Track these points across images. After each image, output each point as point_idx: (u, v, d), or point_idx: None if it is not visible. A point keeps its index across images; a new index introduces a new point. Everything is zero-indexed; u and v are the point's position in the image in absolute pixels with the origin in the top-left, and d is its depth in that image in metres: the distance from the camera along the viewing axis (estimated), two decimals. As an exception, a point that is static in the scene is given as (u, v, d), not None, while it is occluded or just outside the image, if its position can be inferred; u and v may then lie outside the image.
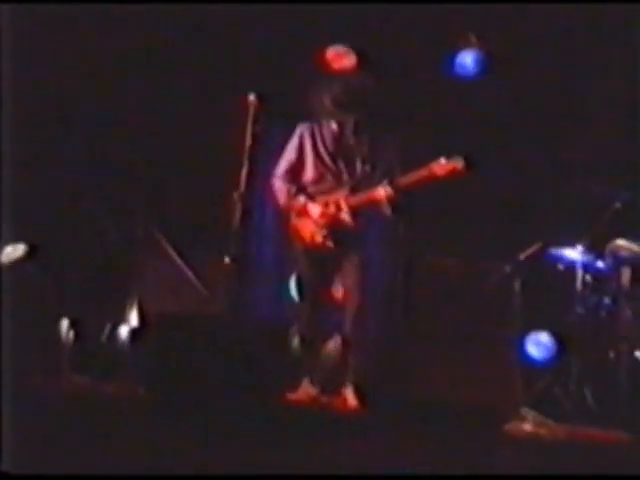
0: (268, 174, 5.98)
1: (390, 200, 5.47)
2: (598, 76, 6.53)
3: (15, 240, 5.21)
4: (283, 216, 5.84)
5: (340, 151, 5.69)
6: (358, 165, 5.63)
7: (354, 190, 5.60)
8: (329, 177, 5.70)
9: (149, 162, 6.51)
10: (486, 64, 6.10)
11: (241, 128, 5.72)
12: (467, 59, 6.08)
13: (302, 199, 5.67)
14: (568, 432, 5.21)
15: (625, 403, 5.32)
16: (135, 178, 6.38)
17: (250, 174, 5.79)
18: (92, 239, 6.22)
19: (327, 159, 5.71)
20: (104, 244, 6.13)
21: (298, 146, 5.76)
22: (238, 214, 5.71)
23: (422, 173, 5.41)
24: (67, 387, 5.48)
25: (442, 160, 5.34)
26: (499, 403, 5.48)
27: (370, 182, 5.56)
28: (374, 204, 5.53)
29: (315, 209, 5.60)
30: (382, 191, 5.48)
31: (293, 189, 5.72)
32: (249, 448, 4.30)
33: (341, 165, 5.68)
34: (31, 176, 5.58)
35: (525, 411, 5.39)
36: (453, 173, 5.32)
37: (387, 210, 5.53)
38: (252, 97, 5.65)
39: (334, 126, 5.68)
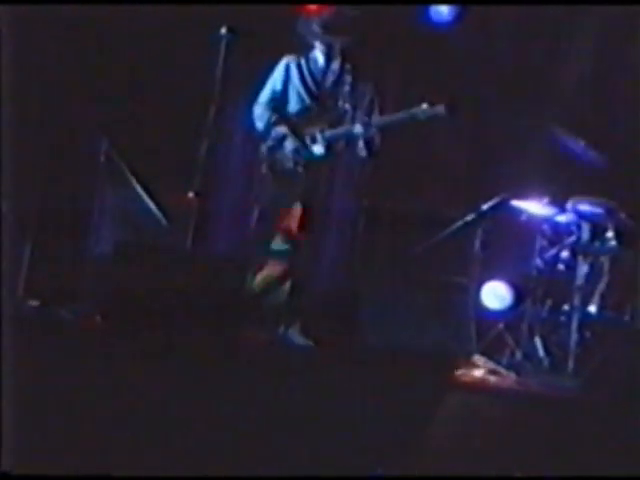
0: (236, 109, 5.95)
1: (366, 139, 5.50)
2: (570, 29, 6.54)
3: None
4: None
5: (325, 86, 5.66)
6: (340, 101, 5.60)
7: (332, 125, 5.59)
8: (313, 110, 5.66)
9: (118, 91, 6.44)
10: (461, 11, 6.09)
11: (212, 62, 5.68)
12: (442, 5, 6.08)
13: (282, 129, 5.66)
14: (517, 381, 5.30)
15: (574, 356, 5.40)
16: (103, 106, 6.31)
17: (218, 108, 5.76)
18: (55, 164, 6.17)
19: (313, 92, 5.67)
20: (66, 169, 6.08)
21: (284, 77, 5.70)
22: (204, 148, 5.69)
23: (402, 115, 5.43)
24: (21, 311, 5.46)
25: (424, 105, 5.35)
26: (451, 350, 5.54)
27: (350, 118, 5.56)
28: (350, 140, 5.54)
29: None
30: (359, 127, 5.49)
31: (274, 117, 5.69)
32: (204, 382, 4.32)
33: (325, 100, 5.66)
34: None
35: (477, 358, 5.46)
36: (432, 119, 5.36)
37: (362, 150, 5.55)
38: (224, 30, 5.61)
39: (321, 59, 5.66)
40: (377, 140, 5.58)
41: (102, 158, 5.67)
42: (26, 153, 5.72)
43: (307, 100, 5.69)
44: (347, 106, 5.60)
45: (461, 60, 6.47)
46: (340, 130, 5.59)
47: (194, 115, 5.93)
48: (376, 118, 5.55)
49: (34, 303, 5.54)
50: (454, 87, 6.41)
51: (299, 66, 5.71)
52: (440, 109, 5.34)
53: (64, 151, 6.25)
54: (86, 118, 6.09)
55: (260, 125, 5.74)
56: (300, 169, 5.60)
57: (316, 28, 5.62)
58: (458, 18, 6.09)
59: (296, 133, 5.59)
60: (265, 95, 5.75)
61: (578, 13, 6.45)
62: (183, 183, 5.89)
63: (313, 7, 5.74)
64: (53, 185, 6.15)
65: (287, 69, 5.71)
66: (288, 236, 5.63)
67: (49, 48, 6.22)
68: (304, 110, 5.68)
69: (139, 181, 5.71)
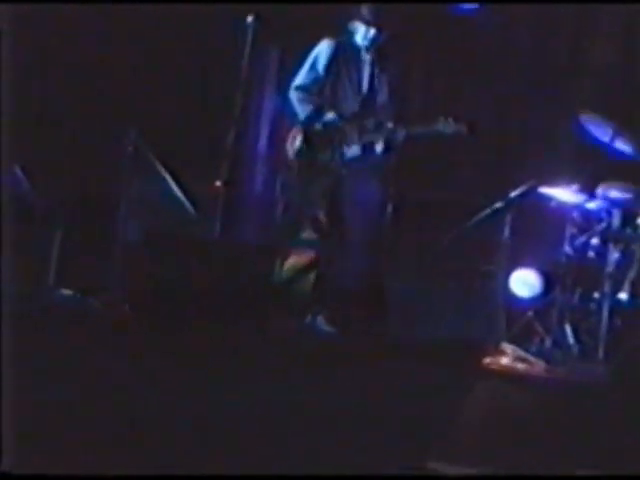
0: (264, 97, 5.94)
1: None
2: (597, 12, 6.48)
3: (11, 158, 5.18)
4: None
5: (363, 75, 5.66)
6: (379, 98, 5.64)
7: (369, 126, 5.62)
8: (355, 102, 5.66)
9: (145, 81, 6.46)
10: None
11: (239, 50, 5.68)
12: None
13: (332, 116, 5.61)
14: (546, 368, 5.27)
15: (604, 343, 5.36)
16: (130, 97, 6.33)
17: (246, 96, 5.76)
18: (84, 156, 6.20)
19: (354, 80, 5.66)
20: (96, 159, 6.11)
21: (327, 60, 5.64)
22: (232, 137, 5.69)
23: (429, 130, 5.55)
24: (52, 300, 5.50)
25: (450, 120, 5.48)
26: (480, 338, 5.53)
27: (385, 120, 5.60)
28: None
29: None
30: (399, 134, 5.57)
31: (318, 102, 5.65)
32: (232, 369, 4.33)
33: (364, 92, 5.66)
34: (27, 93, 5.54)
35: (506, 346, 5.44)
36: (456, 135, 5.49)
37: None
38: (250, 19, 5.60)
39: (361, 47, 5.62)
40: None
41: (130, 148, 5.69)
42: (55, 144, 5.78)
43: (349, 90, 5.67)
44: (383, 105, 5.63)
45: (489, 47, 6.43)
46: (377, 135, 5.60)
47: (221, 103, 5.94)
48: (409, 128, 5.59)
49: (66, 292, 5.59)
50: (482, 74, 6.40)
51: (341, 50, 5.65)
52: (463, 128, 5.49)
53: (93, 141, 6.28)
54: (114, 108, 6.12)
55: (303, 110, 5.67)
56: (334, 165, 5.61)
57: (367, 14, 5.60)
58: (483, 5, 6.05)
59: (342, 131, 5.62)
60: (306, 78, 5.68)
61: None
62: (211, 172, 5.91)
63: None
64: (83, 175, 6.19)
65: (330, 52, 5.64)
66: (316, 225, 5.63)
67: (77, 35, 6.24)
68: (349, 101, 5.66)
69: (167, 170, 5.73)
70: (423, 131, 5.59)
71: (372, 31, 5.58)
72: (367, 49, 5.65)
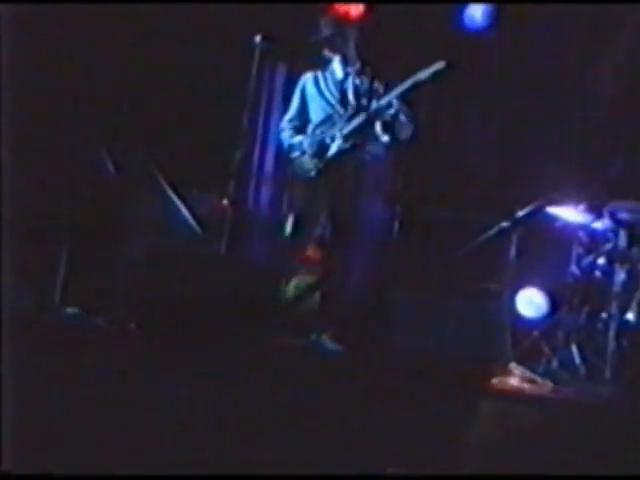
0: (270, 116, 5.95)
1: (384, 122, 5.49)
2: (604, 32, 6.49)
3: (16, 171, 5.20)
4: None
5: (346, 94, 5.66)
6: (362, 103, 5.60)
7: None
8: (334, 117, 5.66)
9: (152, 100, 6.47)
10: (495, 17, 6.07)
11: (246, 69, 5.70)
12: (476, 11, 6.05)
13: (300, 137, 5.64)
14: (553, 389, 5.24)
15: (611, 364, 5.34)
16: (137, 116, 6.35)
17: (253, 117, 5.78)
18: (90, 172, 6.21)
19: (332, 103, 5.67)
20: (102, 178, 6.12)
21: (301, 97, 5.73)
22: (239, 156, 5.71)
23: (406, 84, 5.45)
24: (57, 318, 5.50)
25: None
26: (487, 357, 5.50)
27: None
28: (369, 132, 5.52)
29: None
30: (369, 112, 5.49)
31: (294, 133, 5.69)
32: (236, 388, 4.32)
33: (346, 106, 5.65)
34: (30, 109, 5.57)
35: (512, 366, 5.41)
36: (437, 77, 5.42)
37: (382, 136, 5.51)
38: (258, 39, 5.62)
39: (339, 70, 5.65)
40: (402, 122, 5.53)
41: (137, 166, 5.71)
42: (61, 161, 5.79)
43: (328, 110, 5.69)
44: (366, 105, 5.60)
45: (494, 65, 6.44)
46: (354, 122, 5.57)
47: (229, 123, 5.95)
48: (390, 92, 5.52)
49: (72, 310, 5.59)
50: (487, 92, 6.40)
51: (317, 81, 5.73)
52: (440, 64, 5.41)
53: (100, 159, 6.31)
54: (121, 127, 6.13)
55: (286, 143, 5.78)
56: (320, 172, 5.60)
57: (327, 32, 5.64)
58: (491, 24, 6.07)
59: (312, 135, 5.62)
60: (289, 114, 5.80)
61: (612, 15, 6.41)
62: (218, 190, 5.91)
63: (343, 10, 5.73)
64: (89, 193, 6.20)
65: (303, 89, 5.75)
66: (322, 243, 5.63)
67: (80, 51, 6.24)
68: (326, 119, 5.69)
69: (174, 189, 5.74)
70: (403, 88, 5.47)
71: (342, 53, 5.62)
72: (347, 68, 5.65)
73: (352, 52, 5.59)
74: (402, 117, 5.51)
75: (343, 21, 5.69)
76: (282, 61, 6.59)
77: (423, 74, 5.45)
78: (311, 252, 5.67)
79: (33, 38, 5.62)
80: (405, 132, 5.56)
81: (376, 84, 5.61)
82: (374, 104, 5.52)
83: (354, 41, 5.55)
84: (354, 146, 5.59)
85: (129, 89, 6.36)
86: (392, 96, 5.50)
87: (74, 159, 5.98)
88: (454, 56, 6.06)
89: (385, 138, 5.56)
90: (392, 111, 5.50)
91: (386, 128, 5.53)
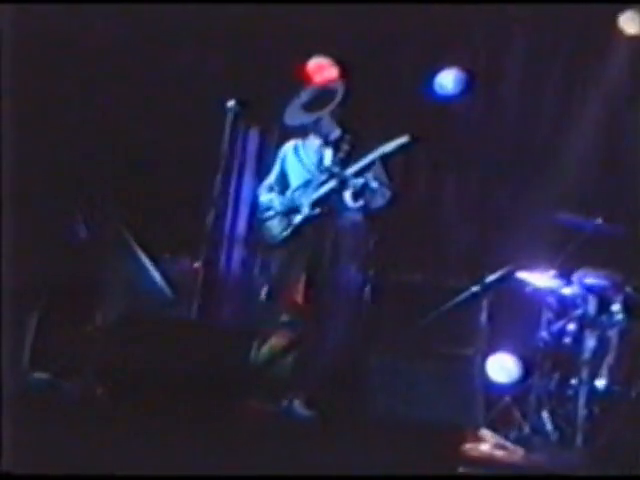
0: (242, 179, 5.98)
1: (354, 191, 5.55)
2: (577, 104, 6.59)
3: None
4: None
5: (321, 163, 5.72)
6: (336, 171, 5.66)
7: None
8: (309, 185, 5.72)
9: (124, 164, 6.49)
10: (466, 85, 6.15)
11: (218, 133, 5.73)
12: (447, 79, 6.13)
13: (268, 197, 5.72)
14: (525, 455, 5.23)
15: (582, 430, 5.34)
16: (109, 179, 6.35)
17: (225, 179, 5.80)
18: (61, 237, 6.19)
19: (310, 171, 5.74)
20: (73, 243, 6.10)
21: (281, 166, 5.81)
22: (211, 218, 5.71)
23: (372, 156, 5.51)
24: (26, 383, 5.43)
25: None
26: (458, 423, 5.48)
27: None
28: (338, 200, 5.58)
29: None
30: (334, 182, 5.54)
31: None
32: (207, 453, 4.28)
33: (321, 175, 5.71)
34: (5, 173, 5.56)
35: (484, 432, 5.40)
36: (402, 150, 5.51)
37: (350, 202, 5.56)
38: (232, 103, 5.66)
39: (316, 141, 5.73)
40: (374, 190, 5.56)
41: (109, 229, 5.70)
42: (32, 224, 5.76)
43: (307, 175, 5.76)
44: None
45: (465, 132, 6.52)
46: (324, 188, 5.63)
47: (201, 185, 5.97)
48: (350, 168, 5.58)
49: (41, 376, 5.53)
50: (458, 159, 6.47)
51: (296, 150, 5.81)
52: (404, 138, 5.47)
53: (72, 222, 6.29)
54: (93, 190, 6.13)
55: (259, 202, 5.83)
56: (289, 236, 5.63)
57: (298, 110, 5.71)
58: (463, 92, 6.15)
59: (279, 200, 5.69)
60: (268, 180, 5.87)
61: (584, 83, 6.53)
62: (190, 254, 5.90)
63: (317, 75, 5.79)
64: (60, 256, 6.17)
65: (284, 159, 5.83)
66: (294, 308, 5.62)
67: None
68: (304, 184, 5.75)
69: (145, 252, 5.73)
70: (369, 160, 5.54)
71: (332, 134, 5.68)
72: (325, 139, 5.72)
73: (329, 120, 5.67)
74: (374, 185, 5.57)
75: (319, 86, 5.75)
76: (255, 124, 6.62)
77: (388, 147, 5.52)
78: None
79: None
80: (377, 200, 5.61)
81: (352, 152, 5.67)
82: (346, 172, 5.58)
83: (331, 108, 5.62)
84: (320, 214, 5.64)
85: (102, 153, 6.37)
86: (357, 167, 5.57)
87: (45, 222, 5.98)
88: (426, 123, 6.16)
89: (356, 205, 5.61)
90: (361, 180, 5.56)
91: (356, 196, 5.58)
